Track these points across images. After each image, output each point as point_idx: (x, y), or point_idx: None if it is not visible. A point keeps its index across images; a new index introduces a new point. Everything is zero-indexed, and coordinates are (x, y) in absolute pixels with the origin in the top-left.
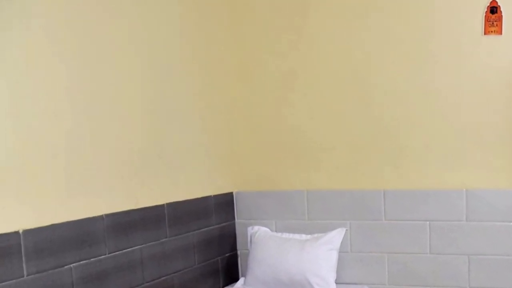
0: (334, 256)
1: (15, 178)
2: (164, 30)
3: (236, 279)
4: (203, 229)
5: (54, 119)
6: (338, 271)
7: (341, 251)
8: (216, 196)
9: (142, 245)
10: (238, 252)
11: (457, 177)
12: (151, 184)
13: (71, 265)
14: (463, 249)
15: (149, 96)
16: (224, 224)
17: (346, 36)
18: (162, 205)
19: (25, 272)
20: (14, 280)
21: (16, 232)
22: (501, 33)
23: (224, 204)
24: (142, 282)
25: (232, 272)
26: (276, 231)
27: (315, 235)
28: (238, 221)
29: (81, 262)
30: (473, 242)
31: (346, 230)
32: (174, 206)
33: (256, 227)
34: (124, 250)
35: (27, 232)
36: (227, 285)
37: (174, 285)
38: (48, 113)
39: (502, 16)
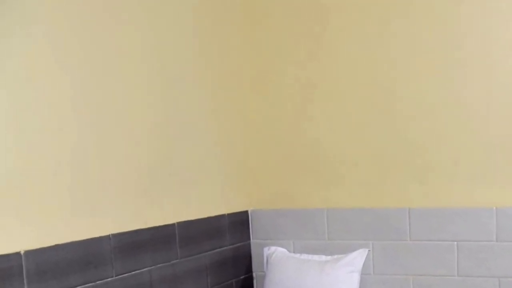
0: (355, 278)
1: (16, 195)
2: (175, 38)
3: None
4: (216, 250)
5: (57, 133)
6: None
7: (363, 273)
8: (230, 215)
9: (152, 267)
10: (254, 274)
11: (487, 194)
12: (161, 202)
13: None
14: (493, 271)
15: (158, 108)
16: (238, 244)
17: (368, 44)
18: (173, 224)
19: None
20: None
21: (17, 253)
22: None
23: (238, 223)
24: None
25: None
26: (294, 252)
27: (336, 256)
28: (253, 241)
29: (87, 285)
30: (504, 264)
31: (369, 251)
32: (186, 225)
33: (272, 248)
34: (132, 272)
35: (29, 253)
36: None
37: None
38: (51, 126)
39: None
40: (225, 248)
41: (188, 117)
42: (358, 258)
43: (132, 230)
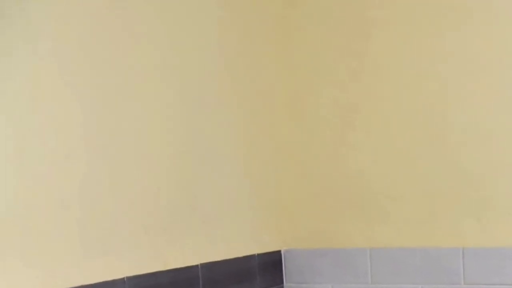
0: None
1: (18, 234)
2: (198, 55)
3: None
4: None
5: (65, 163)
6: None
7: None
8: (261, 255)
9: None
10: None
11: None
12: (182, 240)
13: None
14: None
15: (180, 135)
16: None
17: (418, 62)
18: (196, 266)
19: None
20: None
21: None
22: None
23: (270, 264)
24: None
25: None
26: None
27: None
28: (287, 285)
29: None
30: None
31: None
32: (210, 267)
33: None
34: None
35: None
36: None
37: None
38: (58, 155)
39: None
40: None
41: (213, 144)
42: None
43: (150, 273)
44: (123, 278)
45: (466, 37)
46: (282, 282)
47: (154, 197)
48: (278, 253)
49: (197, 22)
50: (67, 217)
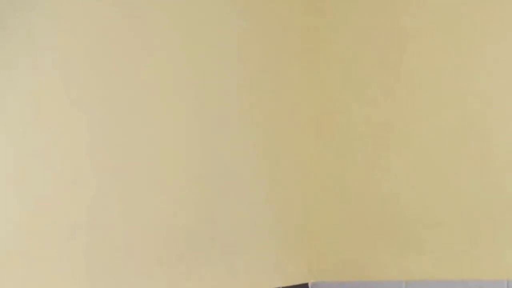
0: None
1: (19, 265)
2: (217, 69)
3: None
4: None
5: (71, 187)
6: None
7: None
8: None
9: None
10: None
11: None
12: (200, 272)
13: None
14: None
15: (197, 156)
16: None
17: (457, 77)
18: None
19: None
20: None
21: None
22: None
23: None
24: None
25: None
26: None
27: None
28: None
29: None
30: None
31: None
32: None
33: None
34: None
35: None
36: None
37: None
38: (63, 178)
39: None
40: None
41: (233, 167)
42: None
43: None
44: None
45: (511, 49)
46: None
47: (169, 224)
48: (305, 286)
49: (216, 32)
50: (73, 247)
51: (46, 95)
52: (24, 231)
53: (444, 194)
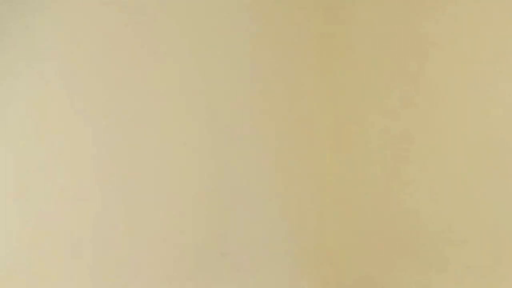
0: None
1: (21, 285)
2: (228, 78)
3: None
4: None
5: (75, 202)
6: None
7: None
8: None
9: None
10: None
11: None
12: None
13: None
14: None
15: (207, 170)
16: None
17: (482, 85)
18: None
19: None
20: None
21: None
22: None
23: None
24: None
25: None
26: None
27: None
28: None
29: None
30: None
31: None
32: None
33: None
34: None
35: None
36: None
37: None
38: (67, 192)
39: None
40: None
41: (245, 180)
42: None
43: None
44: None
45: None
46: None
47: (178, 241)
48: None
49: (227, 39)
50: (78, 266)
51: (49, 105)
52: (26, 249)
53: (468, 210)
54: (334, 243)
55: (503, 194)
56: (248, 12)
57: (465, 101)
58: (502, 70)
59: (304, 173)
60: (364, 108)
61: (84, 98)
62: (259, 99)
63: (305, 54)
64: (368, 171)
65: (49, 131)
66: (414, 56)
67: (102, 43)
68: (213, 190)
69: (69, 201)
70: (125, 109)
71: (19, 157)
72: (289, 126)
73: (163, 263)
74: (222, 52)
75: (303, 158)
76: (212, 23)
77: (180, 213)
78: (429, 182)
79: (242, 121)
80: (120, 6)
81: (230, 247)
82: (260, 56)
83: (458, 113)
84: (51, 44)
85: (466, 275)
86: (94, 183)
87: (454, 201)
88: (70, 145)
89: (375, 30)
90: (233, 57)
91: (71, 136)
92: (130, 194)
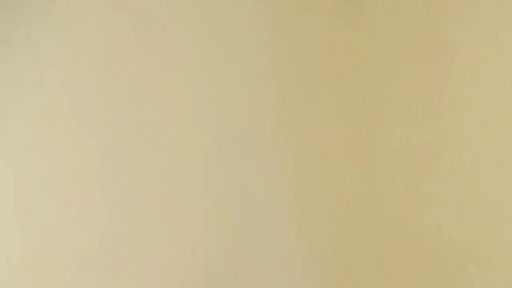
0: None
1: None
2: (242, 87)
3: None
4: None
5: (80, 219)
6: None
7: None
8: None
9: None
10: None
11: None
12: None
13: None
14: None
15: (219, 185)
16: None
17: (508, 96)
18: None
19: None
20: None
21: None
22: None
23: None
24: None
25: None
26: None
27: None
28: None
29: None
30: None
31: None
32: None
33: None
34: None
35: None
36: None
37: None
38: (71, 209)
39: None
40: None
41: (259, 196)
42: None
43: None
44: None
45: None
46: None
47: (188, 260)
48: None
49: (240, 47)
50: (84, 284)
51: (52, 117)
52: (27, 270)
53: (494, 227)
54: (353, 263)
55: None
56: (263, 21)
57: (492, 112)
58: None
59: (321, 188)
60: (385, 119)
61: (88, 108)
62: (275, 109)
63: (322, 62)
64: (389, 186)
65: (51, 144)
66: (438, 64)
67: (108, 50)
68: (226, 206)
69: (73, 218)
70: (132, 120)
71: (19, 170)
72: (306, 138)
73: (173, 283)
74: (235, 59)
75: (320, 172)
76: (224, 29)
77: (191, 230)
78: (453, 197)
79: (257, 133)
80: (128, 11)
81: (244, 266)
82: (276, 63)
83: (485, 124)
84: (53, 51)
85: None
86: (99, 199)
87: (480, 218)
88: (74, 158)
89: (397, 37)
90: (246, 65)
91: (75, 148)
92: (137, 210)
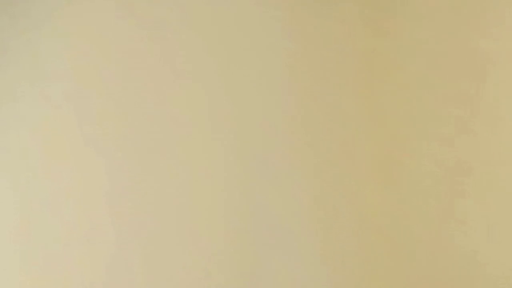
0: None
1: None
2: (261, 100)
3: None
4: None
5: (87, 243)
6: None
7: None
8: None
9: None
10: None
11: None
12: None
13: None
14: None
15: (236, 206)
16: None
17: None
18: None
19: None
20: None
21: None
22: None
23: None
24: None
25: None
26: None
27: None
28: None
29: None
30: None
31: None
32: None
33: None
34: None
35: None
36: None
37: None
38: (77, 233)
39: None
40: None
41: (279, 219)
42: None
43: None
44: None
45: None
46: None
47: (203, 285)
48: None
49: (259, 56)
50: None
51: (55, 132)
52: None
53: None
54: None
55: None
56: (284, 28)
57: None
58: None
59: (346, 210)
60: (414, 134)
61: (95, 122)
62: (296, 125)
63: (347, 73)
64: (419, 206)
65: (55, 162)
66: (470, 75)
67: (116, 59)
68: (242, 227)
69: (80, 242)
70: (143, 137)
71: (22, 192)
72: (329, 156)
73: None
74: (253, 70)
75: (345, 193)
76: (242, 39)
77: (205, 254)
78: (488, 219)
79: (276, 149)
80: (136, 18)
81: None
82: (297, 74)
83: None
84: (57, 60)
85: None
86: (107, 222)
87: None
88: (80, 177)
89: (427, 47)
90: (266, 76)
91: (81, 167)
92: (148, 233)
